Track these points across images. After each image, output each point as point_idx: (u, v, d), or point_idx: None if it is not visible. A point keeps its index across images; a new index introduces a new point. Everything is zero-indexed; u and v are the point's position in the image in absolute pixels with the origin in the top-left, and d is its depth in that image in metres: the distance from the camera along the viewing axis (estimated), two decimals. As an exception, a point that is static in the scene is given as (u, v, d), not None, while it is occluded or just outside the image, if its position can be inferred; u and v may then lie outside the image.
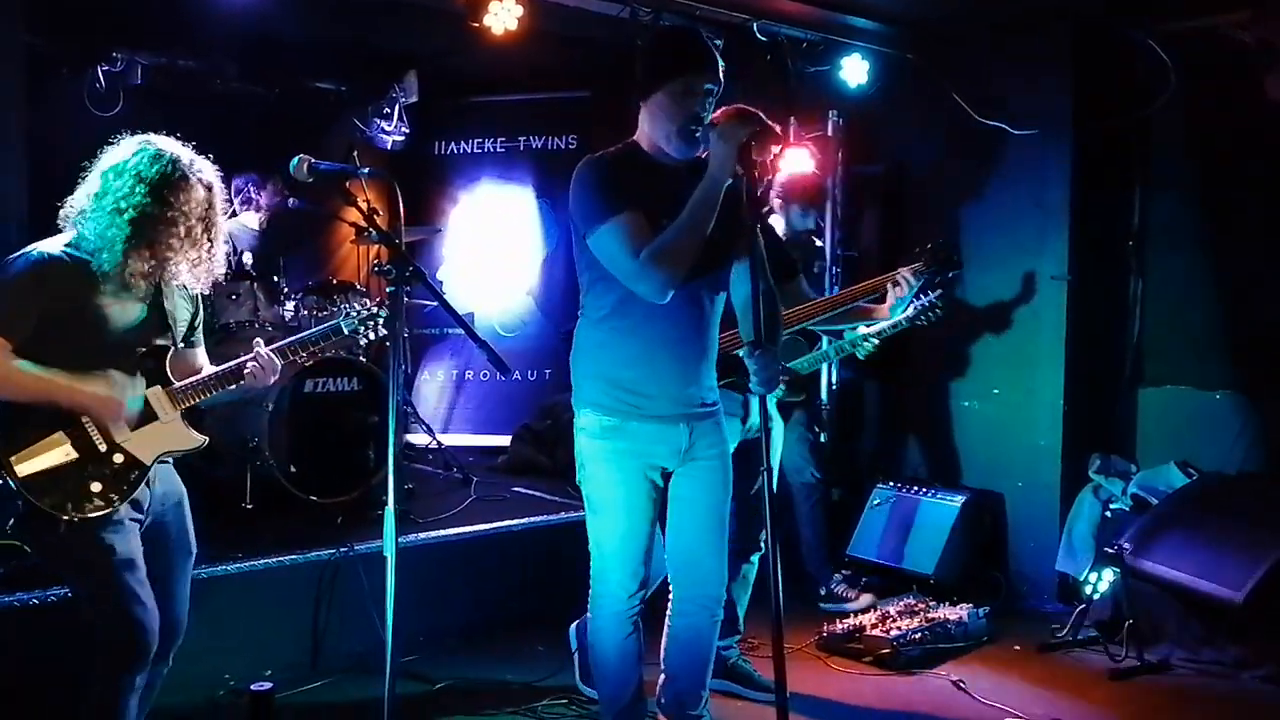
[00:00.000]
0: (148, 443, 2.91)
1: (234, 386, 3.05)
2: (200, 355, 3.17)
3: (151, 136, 2.91)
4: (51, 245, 2.82)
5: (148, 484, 2.93)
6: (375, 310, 3.32)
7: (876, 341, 4.44)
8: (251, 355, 3.07)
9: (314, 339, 3.22)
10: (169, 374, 2.97)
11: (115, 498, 2.82)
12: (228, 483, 4.89)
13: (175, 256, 2.87)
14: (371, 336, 3.33)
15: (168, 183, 2.81)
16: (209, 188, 2.92)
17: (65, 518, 2.77)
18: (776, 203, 4.90)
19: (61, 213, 2.87)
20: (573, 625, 4.05)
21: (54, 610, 3.60)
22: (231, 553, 4.16)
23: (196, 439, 3.03)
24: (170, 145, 2.89)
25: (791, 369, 4.72)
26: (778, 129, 3.04)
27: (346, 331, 3.29)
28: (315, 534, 4.50)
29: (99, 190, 2.82)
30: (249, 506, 4.85)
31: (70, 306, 2.79)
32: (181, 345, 3.06)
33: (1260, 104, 4.78)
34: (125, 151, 2.86)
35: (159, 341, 2.98)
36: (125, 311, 2.89)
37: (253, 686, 3.52)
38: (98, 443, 2.83)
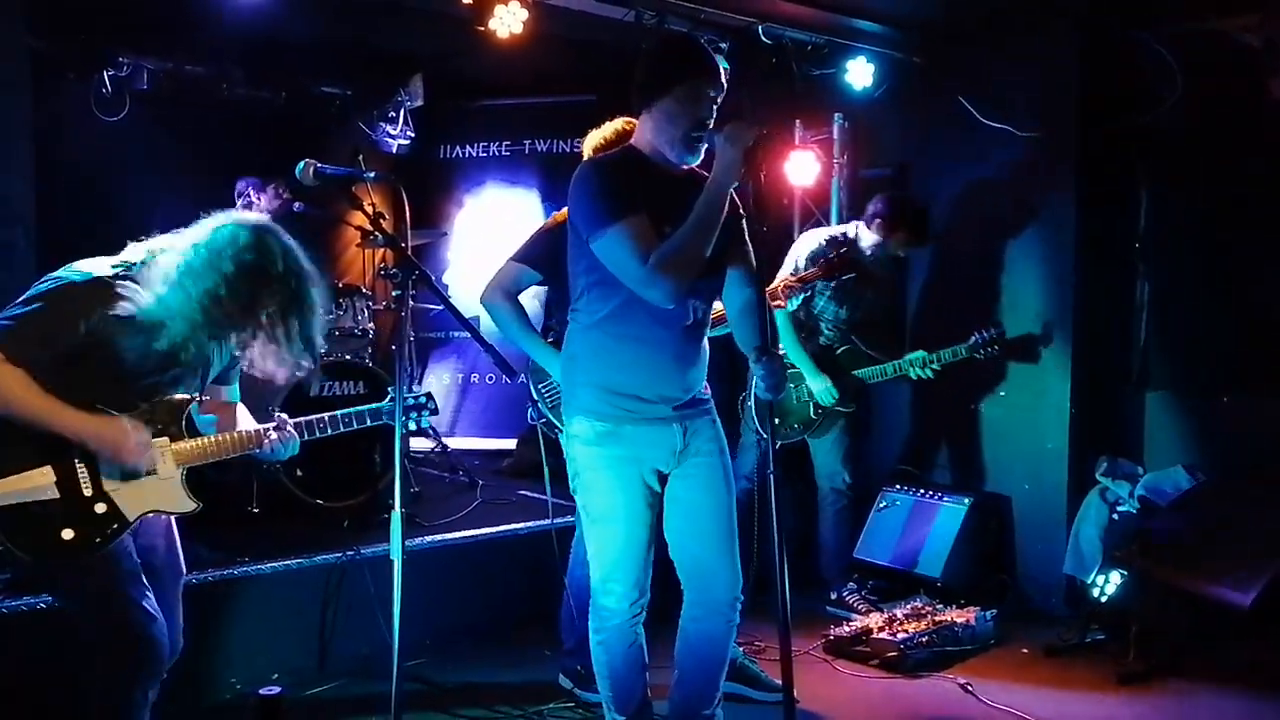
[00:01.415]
0: (137, 497, 2.71)
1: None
2: (230, 395, 3.02)
3: (249, 218, 2.73)
4: (104, 267, 2.65)
5: None
6: (425, 399, 3.12)
7: (938, 368, 4.67)
8: (274, 425, 2.92)
9: (345, 419, 3.00)
10: (182, 427, 2.78)
11: (84, 549, 2.64)
12: (234, 487, 4.89)
13: (247, 349, 2.73)
14: (419, 425, 3.15)
15: (247, 277, 2.62)
16: (297, 282, 2.70)
17: (28, 559, 2.62)
18: (877, 221, 4.85)
19: (144, 248, 2.69)
20: (563, 623, 4.07)
21: (57, 615, 3.58)
22: (238, 557, 4.16)
23: (189, 504, 2.81)
24: (267, 236, 2.69)
25: (859, 377, 4.84)
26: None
27: (385, 417, 3.03)
28: (321, 538, 4.50)
29: (182, 263, 2.62)
30: (255, 511, 4.86)
31: (99, 345, 2.61)
32: (211, 382, 2.92)
33: (1267, 107, 4.77)
34: (219, 231, 2.66)
35: (182, 390, 2.79)
36: (157, 360, 2.70)
37: (261, 691, 3.52)
38: (83, 486, 2.65)
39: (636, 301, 2.93)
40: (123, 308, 2.60)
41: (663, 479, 3.12)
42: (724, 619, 3.14)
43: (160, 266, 2.64)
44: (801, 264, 4.83)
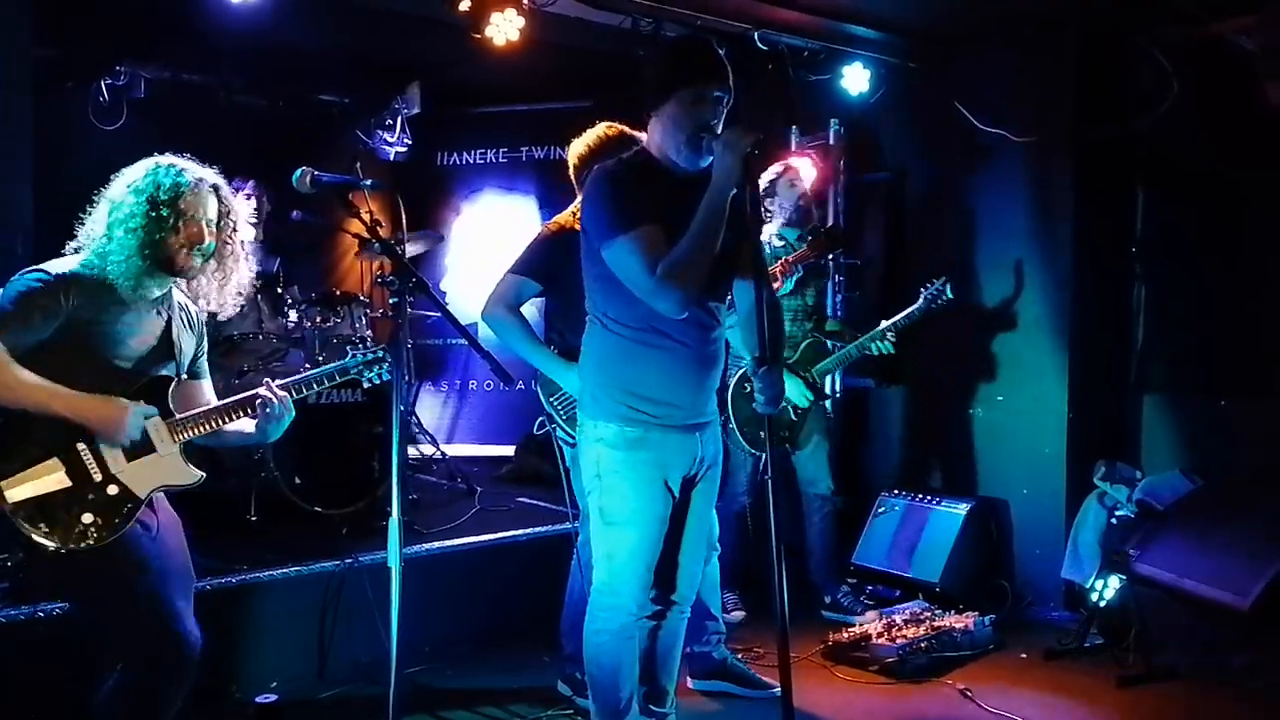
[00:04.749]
0: (143, 475, 2.84)
1: (233, 425, 2.99)
2: (206, 388, 3.11)
3: (166, 156, 2.89)
4: (68, 263, 2.79)
5: (151, 508, 2.90)
6: (382, 354, 3.26)
7: (894, 337, 4.65)
8: (262, 388, 3.01)
9: (318, 379, 3.17)
10: (170, 405, 2.91)
11: (106, 531, 2.76)
12: (233, 495, 4.88)
13: (198, 274, 2.88)
14: (376, 381, 3.27)
15: (179, 197, 2.80)
16: (221, 200, 2.91)
17: (53, 547, 2.71)
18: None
19: (77, 240, 2.85)
20: (563, 629, 4.06)
21: (58, 621, 3.61)
22: (236, 565, 4.15)
23: (194, 474, 2.94)
24: (180, 161, 2.87)
25: (818, 372, 4.81)
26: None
27: (352, 373, 3.23)
28: (320, 545, 4.50)
29: (110, 212, 2.80)
30: (254, 519, 4.84)
31: (77, 328, 2.75)
32: (185, 377, 3.02)
33: (1263, 110, 4.77)
34: (136, 171, 2.85)
35: (162, 371, 2.92)
36: (132, 338, 2.85)
37: (260, 699, 3.52)
38: (92, 472, 2.77)
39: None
40: (89, 287, 2.75)
41: (685, 484, 3.15)
42: (682, 614, 3.31)
43: (94, 229, 2.82)
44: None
